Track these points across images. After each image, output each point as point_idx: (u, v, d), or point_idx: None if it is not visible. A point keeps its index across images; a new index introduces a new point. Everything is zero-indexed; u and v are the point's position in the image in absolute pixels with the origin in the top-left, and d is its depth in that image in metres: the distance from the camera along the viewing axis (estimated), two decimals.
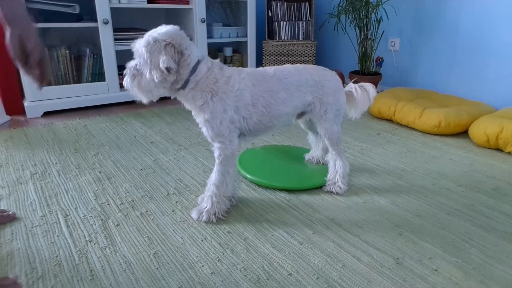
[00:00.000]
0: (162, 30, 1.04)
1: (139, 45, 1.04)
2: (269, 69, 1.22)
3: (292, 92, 1.22)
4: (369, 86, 1.39)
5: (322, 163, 1.51)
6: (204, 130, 1.15)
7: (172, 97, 1.14)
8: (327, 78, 1.30)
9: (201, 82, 1.09)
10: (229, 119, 1.11)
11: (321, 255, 1.04)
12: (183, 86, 1.09)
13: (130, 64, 1.07)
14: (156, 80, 1.04)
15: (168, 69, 1.03)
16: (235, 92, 1.11)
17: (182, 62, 1.05)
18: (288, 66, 1.26)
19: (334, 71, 1.35)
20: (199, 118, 1.14)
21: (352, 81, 1.46)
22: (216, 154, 1.16)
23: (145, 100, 1.11)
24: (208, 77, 1.09)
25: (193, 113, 1.17)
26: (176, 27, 1.07)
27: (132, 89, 1.09)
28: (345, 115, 1.41)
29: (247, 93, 1.13)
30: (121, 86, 2.50)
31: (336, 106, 1.31)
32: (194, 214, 1.20)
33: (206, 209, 1.18)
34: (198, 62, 1.08)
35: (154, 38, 1.02)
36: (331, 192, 1.37)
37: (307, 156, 1.58)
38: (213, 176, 1.18)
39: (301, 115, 1.35)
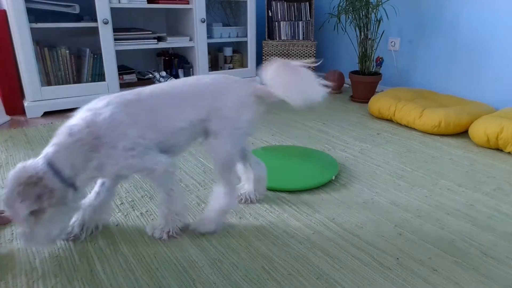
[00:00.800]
0: (6, 181, 0.90)
1: (5, 206, 0.90)
2: (147, 88, 1.07)
3: (180, 107, 1.05)
4: (293, 62, 1.07)
5: (251, 201, 1.29)
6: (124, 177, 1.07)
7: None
8: (229, 88, 1.10)
9: (75, 166, 0.93)
10: (123, 149, 0.96)
11: (321, 255, 1.04)
12: (76, 186, 0.96)
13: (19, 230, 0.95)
14: (50, 220, 0.92)
15: (39, 209, 0.89)
16: (106, 128, 0.94)
17: (44, 185, 0.90)
18: (179, 80, 1.11)
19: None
20: (113, 174, 1.01)
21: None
22: (149, 179, 1.05)
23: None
24: (71, 154, 0.92)
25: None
26: (18, 166, 0.91)
27: (49, 241, 0.96)
28: (287, 103, 1.08)
29: (121, 115, 0.97)
30: (121, 86, 2.51)
31: (236, 124, 1.09)
32: (148, 229, 1.13)
33: (160, 226, 1.11)
34: (51, 163, 0.92)
35: (4, 198, 0.89)
36: (198, 232, 1.13)
37: None
38: (160, 197, 1.08)
39: (207, 134, 1.13)
